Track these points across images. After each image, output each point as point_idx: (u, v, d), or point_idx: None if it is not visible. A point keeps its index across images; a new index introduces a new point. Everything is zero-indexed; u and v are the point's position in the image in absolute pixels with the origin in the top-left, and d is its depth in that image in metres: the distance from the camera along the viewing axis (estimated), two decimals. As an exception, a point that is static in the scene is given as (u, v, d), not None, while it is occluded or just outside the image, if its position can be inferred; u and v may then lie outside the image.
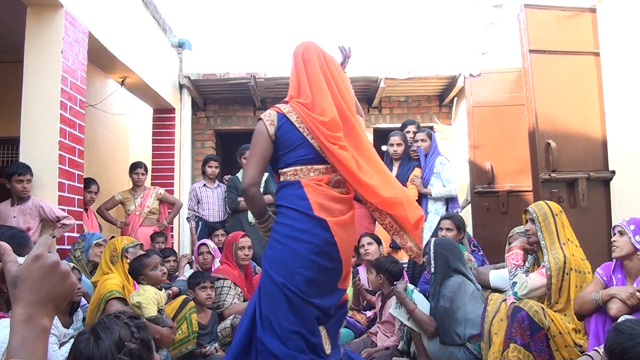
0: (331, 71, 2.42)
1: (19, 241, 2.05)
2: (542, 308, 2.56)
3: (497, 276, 3.30)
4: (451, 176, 4.27)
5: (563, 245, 2.72)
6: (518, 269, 2.84)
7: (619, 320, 2.24)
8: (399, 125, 5.23)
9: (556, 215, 2.79)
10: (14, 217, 3.51)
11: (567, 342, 2.50)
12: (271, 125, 2.29)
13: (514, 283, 2.77)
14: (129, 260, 3.08)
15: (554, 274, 2.63)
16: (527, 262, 2.98)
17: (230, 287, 3.53)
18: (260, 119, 2.34)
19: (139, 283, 3.00)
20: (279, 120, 2.31)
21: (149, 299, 2.83)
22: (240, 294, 3.58)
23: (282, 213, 2.29)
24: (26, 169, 3.48)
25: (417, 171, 4.37)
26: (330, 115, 2.27)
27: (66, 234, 3.69)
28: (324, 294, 2.24)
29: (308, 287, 2.17)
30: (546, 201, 2.95)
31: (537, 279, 2.72)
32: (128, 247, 3.14)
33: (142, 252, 3.15)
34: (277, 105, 2.38)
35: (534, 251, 2.91)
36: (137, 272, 2.96)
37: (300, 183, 2.27)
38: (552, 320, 2.53)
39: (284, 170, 2.33)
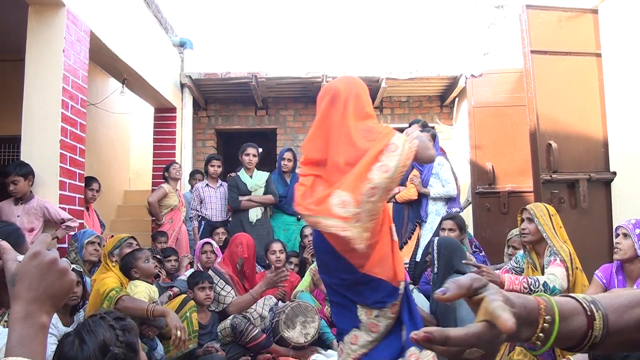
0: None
1: (16, 239, 2.04)
2: None
3: (497, 277, 3.30)
4: (450, 177, 4.26)
5: (564, 244, 2.71)
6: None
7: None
8: (400, 125, 5.22)
9: (552, 215, 2.82)
10: (18, 215, 3.47)
11: None
12: None
13: None
14: (113, 264, 3.08)
15: (569, 264, 2.60)
16: (513, 261, 2.99)
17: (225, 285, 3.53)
18: None
19: (131, 277, 3.01)
20: None
21: (141, 294, 2.85)
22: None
23: None
24: (15, 169, 3.42)
25: (416, 171, 4.37)
26: None
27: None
28: None
29: None
30: (542, 203, 2.99)
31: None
32: (113, 250, 3.14)
33: (130, 249, 3.15)
34: None
35: (526, 250, 2.91)
36: (130, 265, 2.98)
37: None
38: None
39: None
